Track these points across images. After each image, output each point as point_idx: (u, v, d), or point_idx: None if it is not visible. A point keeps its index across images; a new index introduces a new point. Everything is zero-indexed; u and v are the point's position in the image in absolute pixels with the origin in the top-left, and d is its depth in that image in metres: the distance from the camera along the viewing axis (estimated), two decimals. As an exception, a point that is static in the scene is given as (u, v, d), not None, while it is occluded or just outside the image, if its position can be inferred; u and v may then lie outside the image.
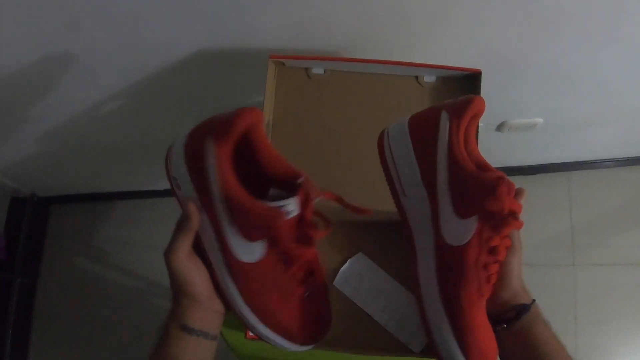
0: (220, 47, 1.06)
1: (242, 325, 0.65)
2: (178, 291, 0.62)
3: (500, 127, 1.57)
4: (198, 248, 0.64)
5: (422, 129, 0.64)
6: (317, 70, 1.01)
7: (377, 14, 0.98)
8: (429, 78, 0.98)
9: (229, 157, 0.59)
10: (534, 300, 0.65)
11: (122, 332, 2.21)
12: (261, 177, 0.63)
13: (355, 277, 1.03)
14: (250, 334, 0.88)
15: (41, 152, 1.67)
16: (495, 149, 1.77)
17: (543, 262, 2.05)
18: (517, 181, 1.89)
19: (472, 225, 0.59)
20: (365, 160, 1.00)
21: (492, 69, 0.96)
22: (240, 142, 0.60)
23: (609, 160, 2.06)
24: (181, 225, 0.62)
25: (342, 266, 1.05)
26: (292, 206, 0.57)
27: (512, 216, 0.60)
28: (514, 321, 0.63)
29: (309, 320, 0.66)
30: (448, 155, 0.61)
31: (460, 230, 0.60)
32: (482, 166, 0.63)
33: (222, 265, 0.62)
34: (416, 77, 0.99)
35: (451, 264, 0.61)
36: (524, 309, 0.63)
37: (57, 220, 2.39)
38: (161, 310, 2.20)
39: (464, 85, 0.98)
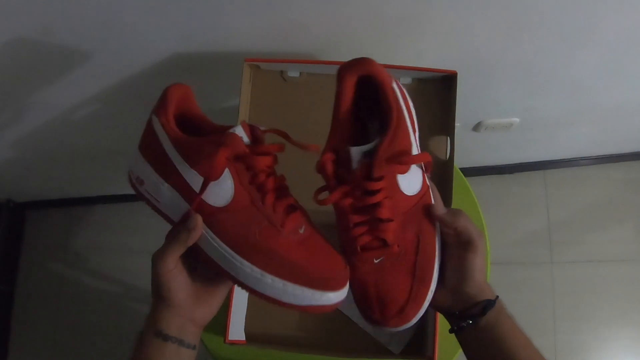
0: (195, 50, 1.06)
1: (250, 293, 0.60)
2: (157, 296, 0.61)
3: (476, 127, 1.58)
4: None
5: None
6: (293, 73, 1.01)
7: (353, 16, 0.98)
8: (405, 80, 0.99)
9: (172, 120, 0.62)
10: (497, 297, 0.64)
11: (102, 337, 2.19)
12: None
13: (334, 279, 1.03)
14: (231, 338, 0.88)
15: (16, 158, 1.65)
16: (471, 148, 1.78)
17: (521, 260, 2.06)
18: (494, 180, 1.91)
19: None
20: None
21: (468, 69, 0.96)
22: (177, 115, 0.64)
23: (584, 158, 2.08)
24: (179, 236, 0.60)
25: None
26: (240, 131, 0.60)
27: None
28: (480, 317, 0.62)
29: (323, 258, 0.62)
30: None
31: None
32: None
33: (204, 228, 0.60)
34: (392, 79, 0.99)
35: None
36: (488, 304, 0.62)
37: (33, 226, 2.36)
38: (140, 315, 2.19)
39: (440, 87, 0.98)
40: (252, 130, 0.62)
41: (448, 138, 0.95)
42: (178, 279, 0.61)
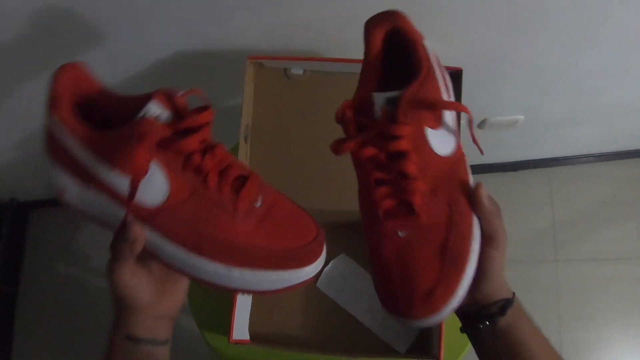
0: (197, 48, 1.05)
1: (224, 291, 0.54)
2: (121, 305, 0.58)
3: (481, 125, 1.58)
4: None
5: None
6: (296, 70, 1.00)
7: (357, 13, 0.97)
8: (409, 77, 0.98)
9: (71, 114, 0.53)
10: (514, 294, 0.59)
11: (105, 337, 2.18)
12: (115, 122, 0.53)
13: (338, 278, 1.03)
14: (235, 337, 0.88)
15: (20, 157, 1.65)
16: (475, 146, 1.77)
17: (525, 258, 2.05)
18: (498, 178, 1.90)
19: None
20: (345, 161, 0.99)
21: (473, 67, 0.95)
22: (78, 103, 0.55)
23: (589, 155, 2.08)
24: (122, 250, 0.53)
25: (324, 267, 1.04)
26: (154, 109, 0.51)
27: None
28: (499, 317, 0.56)
29: (288, 228, 0.55)
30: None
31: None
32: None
33: (146, 231, 0.53)
34: (396, 75, 0.98)
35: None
36: (507, 303, 0.57)
37: (37, 226, 2.36)
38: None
39: (444, 84, 0.97)
40: (169, 100, 0.52)
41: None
42: (138, 286, 0.56)
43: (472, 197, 0.56)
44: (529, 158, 2.06)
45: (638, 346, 1.96)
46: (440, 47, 1.09)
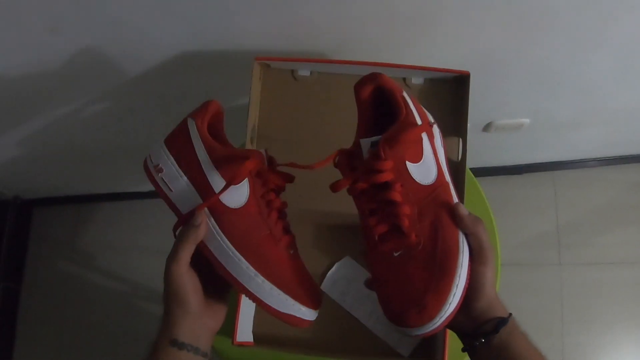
0: (204, 49, 1.05)
1: (238, 290, 0.65)
2: (172, 300, 0.63)
3: (487, 128, 1.57)
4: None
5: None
6: (303, 72, 1.00)
7: (364, 15, 0.98)
8: (416, 80, 0.98)
9: (206, 127, 0.69)
10: (510, 314, 0.62)
11: (107, 335, 2.19)
12: None
13: (342, 280, 1.03)
14: (239, 339, 0.87)
15: (24, 155, 1.65)
16: (481, 149, 1.77)
17: (529, 261, 2.05)
18: (503, 181, 1.90)
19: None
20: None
21: (479, 69, 0.95)
22: (209, 125, 0.70)
23: (594, 159, 2.07)
24: (187, 235, 0.63)
25: (329, 270, 1.04)
26: (263, 152, 0.69)
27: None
28: (492, 334, 0.60)
29: (305, 279, 0.67)
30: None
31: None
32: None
33: (211, 220, 0.65)
34: (404, 79, 0.98)
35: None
36: (501, 322, 0.60)
37: (40, 223, 2.36)
38: (146, 313, 2.20)
39: (452, 87, 0.97)
40: (270, 158, 0.70)
41: (460, 139, 0.94)
42: (192, 282, 0.63)
43: (454, 216, 0.63)
44: (534, 161, 2.05)
45: (641, 351, 1.96)
46: (447, 49, 1.10)
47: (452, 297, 0.59)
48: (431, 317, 0.58)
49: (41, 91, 1.20)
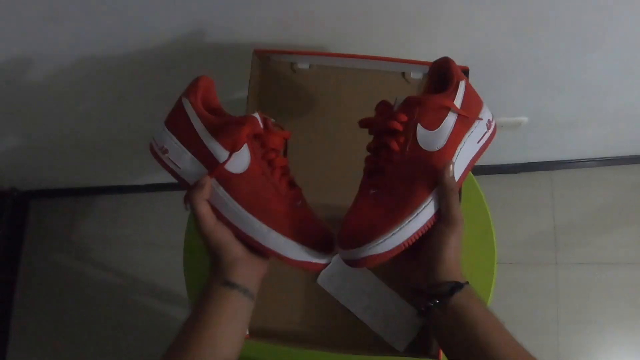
0: (204, 40, 1.05)
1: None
2: (218, 253, 0.70)
3: (485, 126, 1.57)
4: None
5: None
6: (303, 65, 1.00)
7: (364, 8, 0.98)
8: (415, 75, 0.98)
9: (200, 102, 0.74)
10: (467, 282, 0.66)
11: (103, 328, 2.19)
12: None
13: (339, 275, 1.03)
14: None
15: (21, 147, 1.65)
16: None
17: (526, 260, 2.06)
18: (501, 180, 1.90)
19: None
20: (350, 156, 0.99)
21: (479, 67, 0.95)
22: (202, 99, 0.75)
23: (592, 160, 2.07)
24: (193, 196, 0.69)
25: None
26: (257, 116, 0.73)
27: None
28: (448, 297, 0.64)
29: (316, 226, 0.74)
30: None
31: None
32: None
33: (219, 189, 0.71)
34: (403, 73, 0.98)
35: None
36: (457, 285, 0.64)
37: (37, 216, 2.36)
38: (143, 307, 2.20)
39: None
40: (264, 120, 0.74)
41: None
42: (227, 233, 0.70)
43: (439, 172, 0.69)
44: (531, 160, 2.06)
45: (636, 350, 1.96)
46: (447, 45, 1.10)
47: (403, 224, 0.66)
48: (377, 236, 0.66)
49: (38, 81, 1.19)
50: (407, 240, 0.66)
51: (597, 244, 2.06)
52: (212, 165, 0.70)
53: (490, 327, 0.63)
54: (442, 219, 0.67)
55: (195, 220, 0.70)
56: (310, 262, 0.71)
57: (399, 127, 0.71)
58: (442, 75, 0.77)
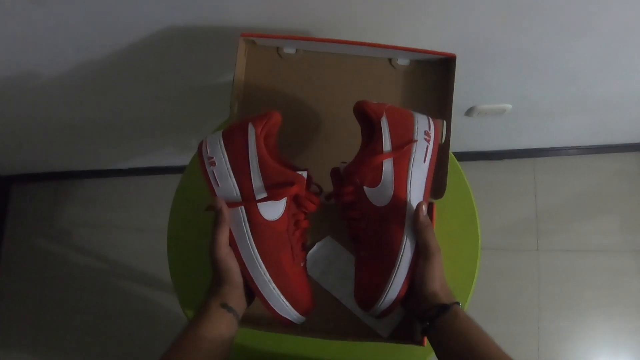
0: (190, 24, 1.04)
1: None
2: (222, 278, 0.76)
3: (469, 112, 1.58)
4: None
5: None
6: (289, 49, 0.99)
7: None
8: (402, 61, 0.97)
9: (263, 136, 0.78)
10: (457, 303, 0.75)
11: (85, 313, 2.18)
12: None
13: (323, 260, 1.03)
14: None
15: (1, 130, 1.62)
16: (463, 133, 1.78)
17: (508, 246, 2.07)
18: (484, 166, 1.90)
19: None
20: (335, 142, 0.99)
21: (464, 53, 0.95)
22: (266, 132, 0.79)
23: (574, 147, 2.09)
24: (217, 221, 0.75)
25: (310, 249, 1.04)
26: (305, 175, 0.79)
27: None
28: (435, 318, 0.73)
29: (307, 291, 0.82)
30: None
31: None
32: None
33: (245, 225, 0.77)
34: (390, 59, 0.98)
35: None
36: (443, 308, 0.73)
37: (18, 200, 2.34)
38: (124, 291, 2.19)
39: (438, 70, 0.97)
40: (309, 179, 0.82)
41: (444, 122, 0.94)
42: (235, 263, 0.77)
43: (414, 211, 0.77)
44: (515, 147, 2.07)
45: (615, 336, 2.00)
46: (433, 31, 1.10)
47: (391, 280, 0.76)
48: (379, 296, 0.77)
49: (20, 64, 1.18)
50: (400, 291, 0.77)
51: (578, 231, 2.08)
52: (249, 198, 0.76)
53: (474, 340, 0.71)
54: (422, 255, 0.76)
55: (211, 241, 0.75)
56: (288, 320, 0.80)
57: (350, 198, 0.80)
58: (366, 119, 0.82)
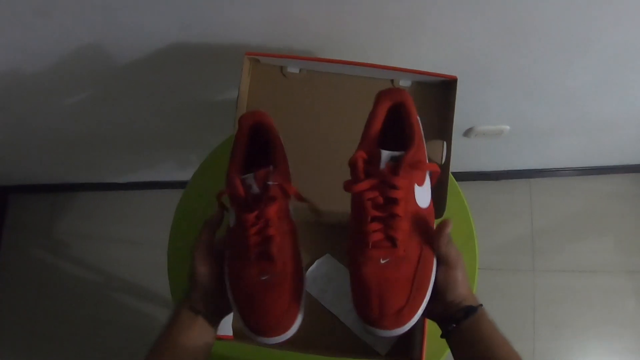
0: (194, 40, 1.05)
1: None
2: (190, 280, 0.75)
3: (467, 133, 1.59)
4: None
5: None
6: (293, 69, 1.00)
7: (353, 15, 0.98)
8: (404, 82, 0.99)
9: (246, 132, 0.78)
10: (481, 305, 0.72)
11: (80, 325, 2.17)
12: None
13: (323, 278, 1.04)
14: (218, 333, 0.88)
15: (1, 140, 1.63)
16: (460, 153, 1.79)
17: (503, 266, 2.08)
18: (481, 186, 1.91)
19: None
20: (336, 161, 1.00)
21: (463, 74, 0.96)
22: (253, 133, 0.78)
23: (570, 169, 2.10)
24: (205, 222, 0.76)
25: (309, 267, 1.05)
26: (249, 180, 0.72)
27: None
28: (462, 320, 0.70)
29: (266, 307, 0.69)
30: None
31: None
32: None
33: (230, 232, 0.75)
34: (392, 80, 0.99)
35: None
36: (471, 309, 0.70)
37: (16, 211, 2.34)
38: (118, 304, 2.18)
39: (439, 91, 0.98)
40: (263, 178, 0.74)
41: (444, 143, 0.95)
42: (206, 266, 0.74)
43: (439, 227, 0.72)
44: (511, 168, 2.08)
45: (610, 356, 2.00)
46: (433, 52, 1.11)
47: (421, 309, 0.69)
48: (403, 323, 0.67)
49: (23, 75, 1.18)
50: (423, 313, 0.70)
51: (574, 251, 2.09)
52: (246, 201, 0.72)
53: (496, 343, 0.70)
54: (444, 263, 0.72)
55: (194, 243, 0.75)
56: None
57: (402, 194, 0.70)
58: (396, 109, 0.77)
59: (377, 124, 0.76)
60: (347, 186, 0.72)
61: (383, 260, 0.69)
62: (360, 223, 0.71)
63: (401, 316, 0.67)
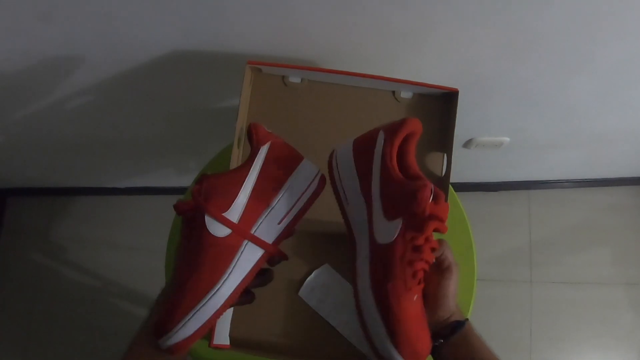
0: (196, 48, 1.05)
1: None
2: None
3: (467, 144, 1.59)
4: None
5: (363, 147, 0.71)
6: (294, 78, 1.00)
7: (356, 26, 0.99)
8: (405, 94, 0.99)
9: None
10: (467, 319, 0.72)
11: (76, 329, 2.16)
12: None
13: (321, 288, 1.03)
14: (215, 342, 0.87)
15: (1, 143, 1.63)
16: (460, 164, 1.79)
17: (501, 277, 2.08)
18: (479, 197, 1.91)
19: (397, 225, 0.64)
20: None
21: (465, 86, 0.97)
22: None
23: (569, 181, 2.11)
24: None
25: (307, 277, 1.05)
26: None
27: (434, 218, 0.63)
28: (450, 336, 0.70)
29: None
30: (380, 167, 0.67)
31: (388, 230, 0.64)
32: (413, 176, 0.69)
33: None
34: (393, 92, 0.99)
35: (382, 261, 0.64)
36: (458, 325, 0.70)
37: (14, 214, 2.33)
38: (116, 309, 2.17)
39: (440, 103, 0.99)
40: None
41: (445, 155, 0.95)
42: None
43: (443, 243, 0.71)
44: (510, 179, 2.08)
45: (605, 370, 2.00)
46: (435, 64, 1.11)
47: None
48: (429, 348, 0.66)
49: (24, 79, 1.18)
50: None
51: (571, 263, 2.09)
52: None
53: (483, 356, 0.70)
54: (443, 274, 0.71)
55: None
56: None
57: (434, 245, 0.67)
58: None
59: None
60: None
61: (416, 295, 0.65)
62: (399, 257, 0.65)
63: (418, 355, 0.65)
